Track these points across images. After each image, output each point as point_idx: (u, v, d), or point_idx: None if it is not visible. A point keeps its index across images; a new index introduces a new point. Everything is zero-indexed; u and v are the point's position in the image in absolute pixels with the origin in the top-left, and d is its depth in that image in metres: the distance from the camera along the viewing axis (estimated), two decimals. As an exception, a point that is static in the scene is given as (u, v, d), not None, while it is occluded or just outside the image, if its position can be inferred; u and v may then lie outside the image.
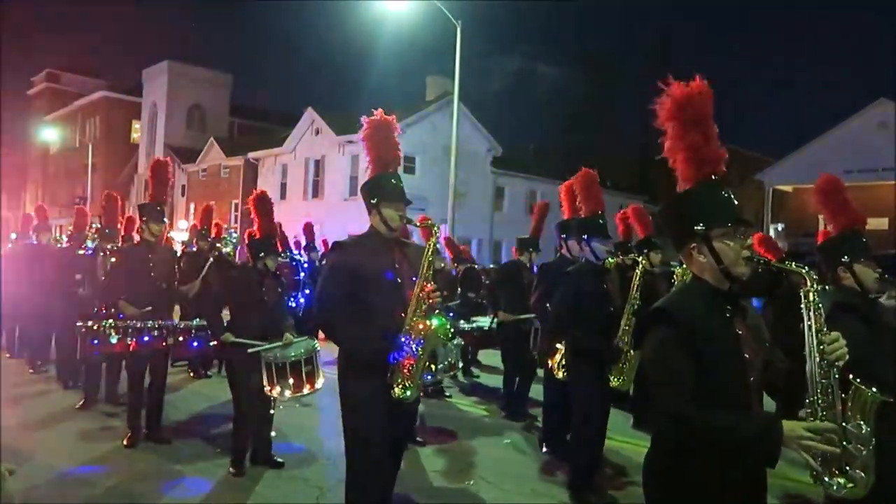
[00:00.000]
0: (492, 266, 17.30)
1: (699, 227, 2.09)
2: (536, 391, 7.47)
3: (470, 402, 7.78)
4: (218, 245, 8.88)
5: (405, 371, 3.05)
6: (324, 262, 11.53)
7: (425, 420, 6.56)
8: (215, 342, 5.53)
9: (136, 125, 43.53)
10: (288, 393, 4.74)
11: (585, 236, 4.55)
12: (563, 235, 5.73)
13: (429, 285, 3.13)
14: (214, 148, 34.71)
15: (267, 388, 4.75)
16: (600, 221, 4.56)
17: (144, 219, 5.60)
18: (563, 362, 5.14)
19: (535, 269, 6.70)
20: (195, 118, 40.15)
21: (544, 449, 5.77)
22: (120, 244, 7.09)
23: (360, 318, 3.13)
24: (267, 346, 4.80)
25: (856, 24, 77.02)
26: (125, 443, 5.49)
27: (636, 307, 4.51)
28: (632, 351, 4.36)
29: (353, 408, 3.18)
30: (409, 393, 3.06)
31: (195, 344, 5.55)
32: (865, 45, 77.60)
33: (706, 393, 1.98)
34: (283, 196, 28.70)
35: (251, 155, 32.05)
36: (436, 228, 3.39)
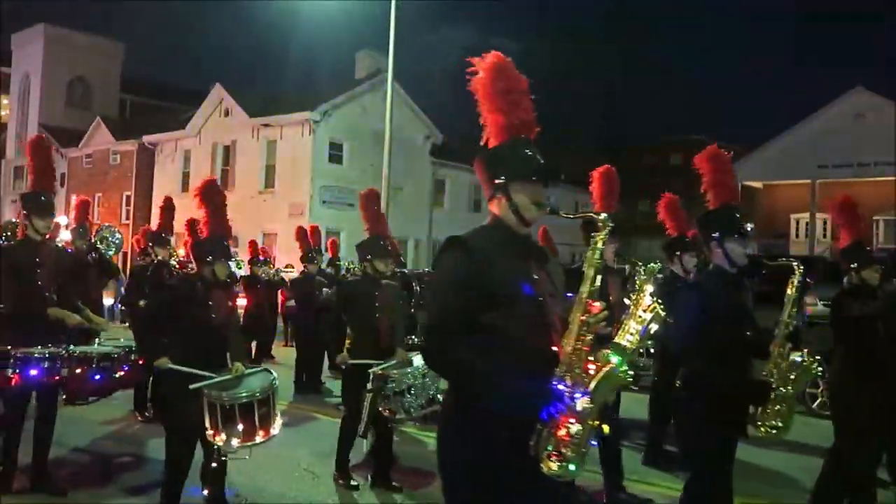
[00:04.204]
0: (427, 270, 17.33)
1: None
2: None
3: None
4: (99, 246, 8.60)
5: (563, 435, 2.38)
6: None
7: (398, 459, 6.33)
8: (128, 370, 5.22)
9: (3, 101, 41.78)
10: (235, 442, 4.36)
11: (717, 234, 3.93)
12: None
13: (595, 304, 2.54)
14: (101, 129, 33.69)
15: (209, 434, 4.39)
16: (737, 215, 4.01)
17: (26, 212, 5.23)
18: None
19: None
20: (77, 93, 38.94)
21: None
22: None
23: (492, 351, 2.46)
24: (214, 380, 4.48)
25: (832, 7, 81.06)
26: None
27: (791, 329, 4.07)
28: (788, 388, 3.90)
29: (472, 490, 2.50)
30: (571, 468, 2.40)
31: (97, 377, 5.12)
32: (845, 31, 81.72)
33: None
34: (184, 188, 28.00)
35: (147, 138, 31.21)
36: (603, 219, 2.72)
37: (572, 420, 2.38)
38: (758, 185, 27.76)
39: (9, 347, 4.82)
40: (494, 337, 2.48)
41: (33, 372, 4.83)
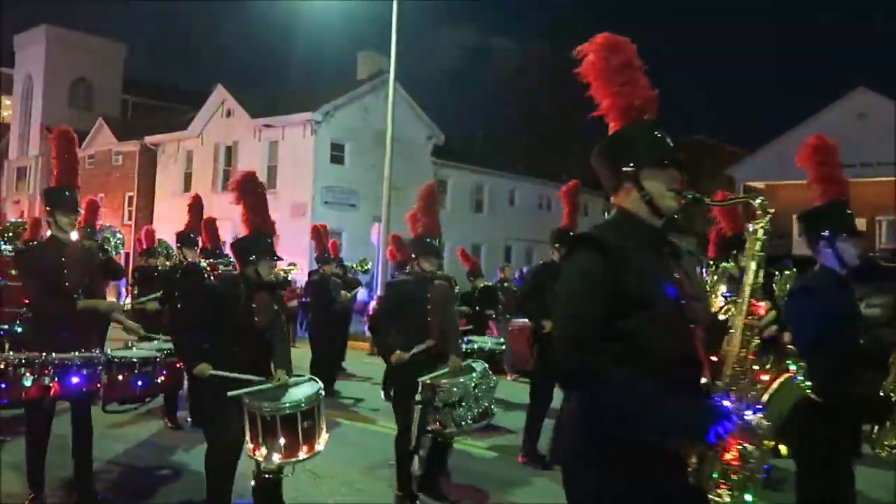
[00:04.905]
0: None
1: None
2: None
3: (486, 443, 7.25)
4: (106, 247, 8.61)
5: (732, 459, 2.05)
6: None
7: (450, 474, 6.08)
8: (167, 375, 5.07)
9: (6, 101, 41.86)
10: (277, 457, 4.08)
11: (828, 233, 3.64)
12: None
13: (760, 305, 2.21)
14: (104, 130, 33.73)
15: (249, 449, 4.14)
16: (847, 212, 3.74)
17: (49, 208, 5.00)
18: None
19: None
20: (80, 94, 38.89)
21: None
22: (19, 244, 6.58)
23: (636, 363, 2.13)
24: (254, 388, 4.24)
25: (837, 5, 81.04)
26: None
27: None
28: None
29: None
30: (747, 498, 2.07)
31: (139, 383, 4.91)
32: (845, 29, 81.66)
33: None
34: (186, 188, 28.03)
35: (149, 139, 31.21)
36: (761, 203, 2.31)
37: (743, 442, 2.04)
38: (760, 185, 27.71)
39: (43, 354, 4.50)
40: (633, 346, 2.15)
41: (74, 380, 4.50)
